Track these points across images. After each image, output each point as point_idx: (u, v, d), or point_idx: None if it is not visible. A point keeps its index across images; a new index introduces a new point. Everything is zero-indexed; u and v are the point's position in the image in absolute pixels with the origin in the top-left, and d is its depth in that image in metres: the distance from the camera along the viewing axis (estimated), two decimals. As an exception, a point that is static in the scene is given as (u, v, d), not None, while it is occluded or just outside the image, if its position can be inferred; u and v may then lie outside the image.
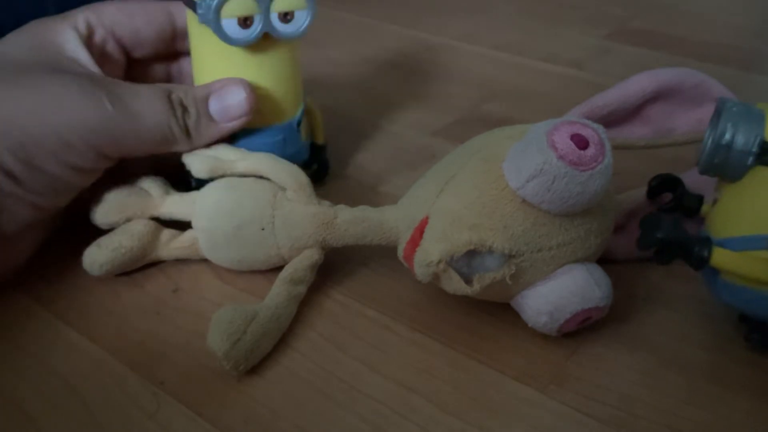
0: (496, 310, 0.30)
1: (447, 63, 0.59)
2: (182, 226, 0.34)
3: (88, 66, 0.33)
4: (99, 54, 0.35)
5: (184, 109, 0.33)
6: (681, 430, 0.26)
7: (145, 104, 0.32)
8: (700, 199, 0.30)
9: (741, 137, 0.26)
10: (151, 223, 0.34)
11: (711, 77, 0.32)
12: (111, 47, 0.36)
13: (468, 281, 0.28)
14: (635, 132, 0.32)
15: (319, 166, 0.41)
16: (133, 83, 0.33)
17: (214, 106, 0.34)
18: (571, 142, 0.25)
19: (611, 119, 0.32)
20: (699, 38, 0.62)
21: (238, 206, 0.32)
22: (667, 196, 0.32)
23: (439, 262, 0.27)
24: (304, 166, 0.37)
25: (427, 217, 0.29)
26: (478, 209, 0.27)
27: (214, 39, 0.33)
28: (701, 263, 0.26)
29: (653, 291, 0.33)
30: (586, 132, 0.26)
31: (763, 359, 0.29)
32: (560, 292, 0.27)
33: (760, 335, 0.28)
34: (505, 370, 0.29)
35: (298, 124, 0.37)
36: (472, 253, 0.27)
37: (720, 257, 0.26)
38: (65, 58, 0.33)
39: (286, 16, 0.33)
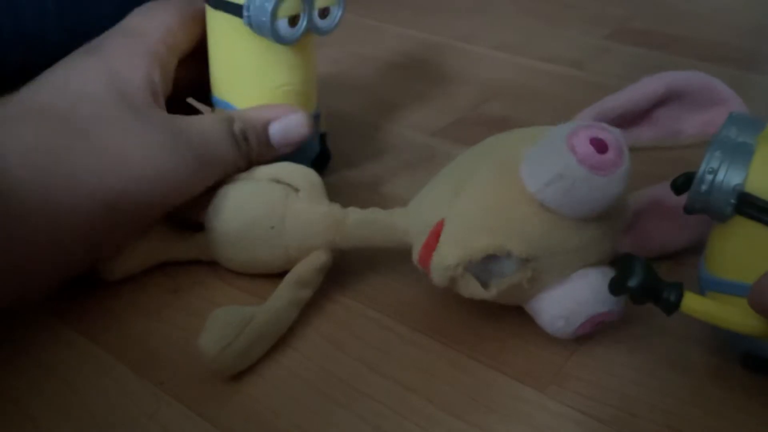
0: (497, 310, 0.30)
1: (447, 63, 0.59)
2: (188, 227, 0.34)
3: (162, 109, 0.33)
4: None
5: (246, 140, 0.33)
6: (681, 430, 0.26)
7: (217, 147, 0.32)
8: None
9: (723, 179, 0.24)
10: (159, 224, 0.34)
11: (718, 80, 0.32)
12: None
13: (484, 285, 0.28)
14: (643, 134, 0.32)
15: (322, 153, 0.41)
16: (196, 118, 0.33)
17: (275, 135, 0.34)
18: (590, 146, 0.25)
19: (620, 122, 0.32)
20: (699, 38, 0.62)
21: (248, 203, 0.32)
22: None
23: (457, 266, 0.27)
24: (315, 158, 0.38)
25: (442, 221, 0.28)
26: (495, 213, 0.27)
27: (250, 39, 0.33)
28: (671, 309, 0.25)
29: (653, 291, 0.33)
30: (605, 136, 0.26)
31: (763, 359, 0.29)
32: (576, 296, 0.27)
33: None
34: (505, 370, 0.29)
35: (318, 116, 0.38)
36: (489, 257, 0.27)
37: (690, 303, 0.25)
38: (143, 104, 0.32)
39: (324, 12, 0.35)
